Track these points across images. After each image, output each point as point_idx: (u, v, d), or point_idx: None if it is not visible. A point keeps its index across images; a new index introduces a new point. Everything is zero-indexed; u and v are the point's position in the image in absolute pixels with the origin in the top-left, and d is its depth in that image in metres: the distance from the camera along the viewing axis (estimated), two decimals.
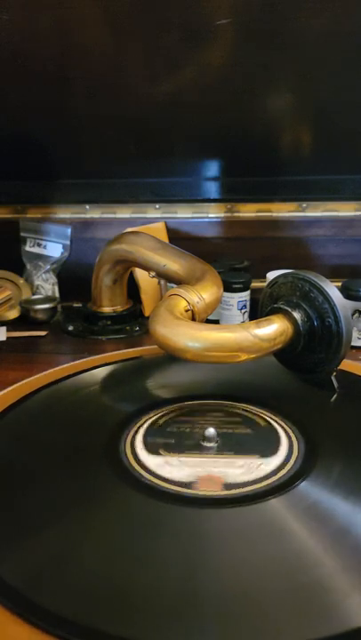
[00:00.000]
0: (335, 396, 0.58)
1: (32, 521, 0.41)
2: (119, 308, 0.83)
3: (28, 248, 0.96)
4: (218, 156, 0.92)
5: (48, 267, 0.94)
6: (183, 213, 0.94)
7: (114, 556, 0.38)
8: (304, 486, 0.44)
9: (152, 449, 0.49)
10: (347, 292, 0.72)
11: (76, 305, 0.87)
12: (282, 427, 0.52)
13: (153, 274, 0.72)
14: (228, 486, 0.44)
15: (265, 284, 0.64)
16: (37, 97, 0.84)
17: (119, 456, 0.48)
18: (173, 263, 0.70)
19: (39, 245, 0.95)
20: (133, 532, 0.40)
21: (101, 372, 0.65)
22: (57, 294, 0.94)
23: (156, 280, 0.74)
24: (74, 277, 0.94)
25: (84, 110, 0.86)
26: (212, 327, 0.54)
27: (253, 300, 0.80)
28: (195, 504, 0.42)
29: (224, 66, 0.79)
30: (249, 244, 0.92)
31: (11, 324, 0.84)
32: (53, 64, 0.80)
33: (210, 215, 0.94)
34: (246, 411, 0.55)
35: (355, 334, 0.72)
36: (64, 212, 0.96)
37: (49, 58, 0.79)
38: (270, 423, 0.53)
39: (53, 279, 0.94)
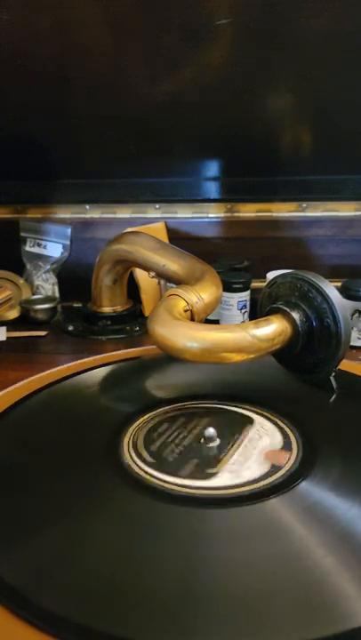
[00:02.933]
0: (335, 396, 0.58)
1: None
2: (119, 308, 0.83)
3: (28, 248, 0.96)
4: (218, 156, 0.92)
5: (48, 267, 0.94)
6: (183, 213, 0.94)
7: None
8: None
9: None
10: (347, 292, 0.72)
11: (76, 305, 0.87)
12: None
13: (153, 274, 0.72)
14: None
15: (265, 284, 0.64)
16: (37, 97, 0.84)
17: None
18: (173, 263, 0.70)
19: (39, 245, 0.95)
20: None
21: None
22: (57, 294, 0.94)
23: (156, 280, 0.74)
24: (74, 277, 0.94)
25: (84, 110, 0.86)
26: (211, 327, 0.54)
27: (253, 300, 0.80)
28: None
29: (224, 66, 0.79)
30: (249, 243, 0.92)
31: (11, 324, 0.84)
32: (53, 64, 0.80)
33: (210, 215, 0.94)
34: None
35: (354, 334, 0.72)
36: (64, 212, 0.96)
37: (49, 58, 0.79)
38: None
39: (53, 279, 0.94)
